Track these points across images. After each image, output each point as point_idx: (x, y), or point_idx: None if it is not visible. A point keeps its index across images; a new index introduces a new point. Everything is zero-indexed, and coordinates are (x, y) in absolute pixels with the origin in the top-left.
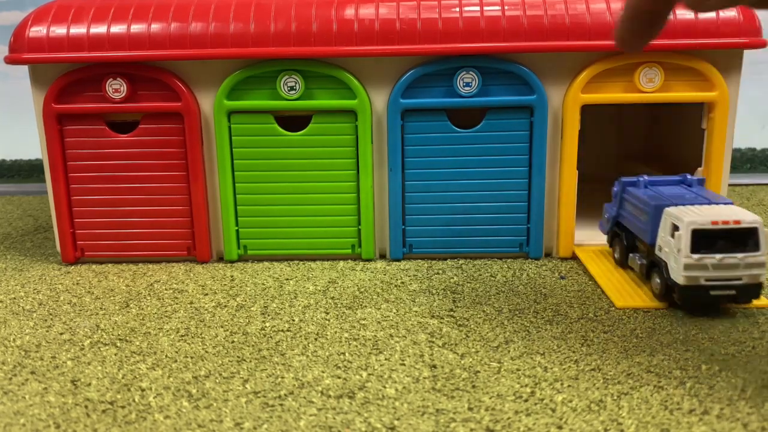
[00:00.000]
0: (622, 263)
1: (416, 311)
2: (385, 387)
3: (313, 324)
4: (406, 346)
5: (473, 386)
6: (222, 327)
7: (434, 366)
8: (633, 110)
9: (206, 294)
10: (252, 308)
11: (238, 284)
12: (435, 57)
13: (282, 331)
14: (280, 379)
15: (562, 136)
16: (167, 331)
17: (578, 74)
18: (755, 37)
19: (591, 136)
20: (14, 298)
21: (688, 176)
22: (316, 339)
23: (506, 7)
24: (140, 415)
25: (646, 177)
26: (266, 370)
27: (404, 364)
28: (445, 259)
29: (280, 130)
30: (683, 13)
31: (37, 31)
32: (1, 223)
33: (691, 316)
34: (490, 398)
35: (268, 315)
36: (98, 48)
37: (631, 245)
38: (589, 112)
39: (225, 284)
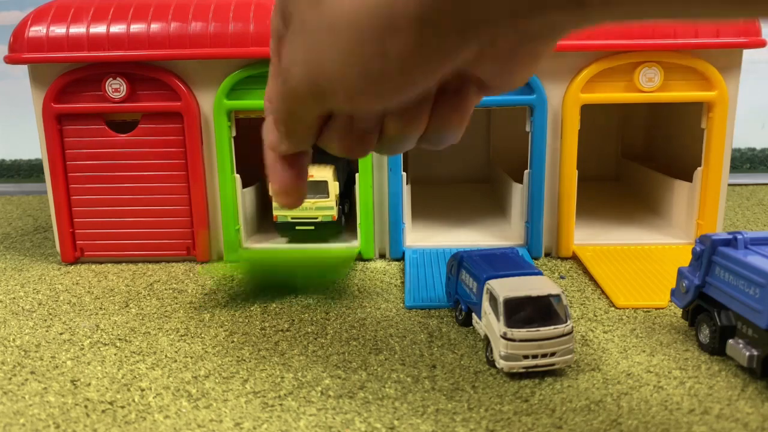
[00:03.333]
0: (714, 350)
1: (416, 311)
2: (384, 387)
3: (313, 324)
4: (406, 346)
5: (473, 386)
6: (222, 327)
7: (434, 366)
8: (633, 110)
9: (206, 294)
10: (252, 308)
11: (237, 284)
12: None
13: (282, 331)
14: (279, 379)
15: (561, 135)
16: (167, 331)
17: (578, 74)
18: (755, 37)
19: (591, 136)
20: (14, 298)
21: None
22: (315, 339)
23: None
24: (140, 415)
25: (745, 234)
26: (266, 370)
27: (404, 364)
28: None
29: None
30: None
31: (37, 30)
32: (0, 223)
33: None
34: (490, 398)
35: (268, 315)
36: (98, 48)
37: (729, 327)
38: (589, 111)
39: (225, 284)
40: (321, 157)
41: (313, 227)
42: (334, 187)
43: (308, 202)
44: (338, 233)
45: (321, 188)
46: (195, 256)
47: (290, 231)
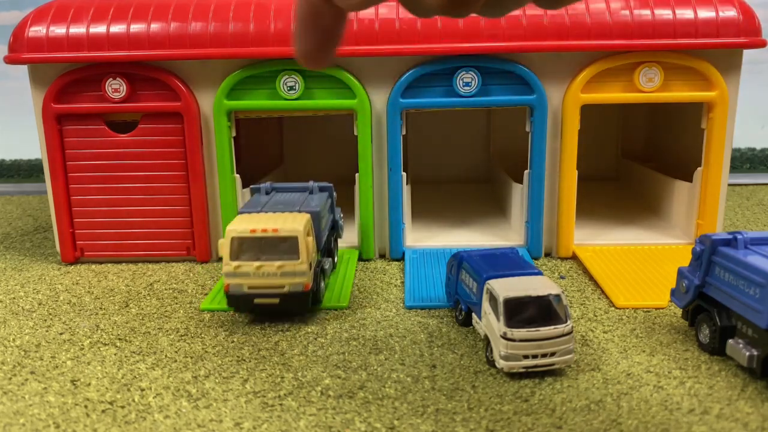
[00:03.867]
0: (714, 350)
1: (416, 311)
2: (384, 387)
3: (313, 324)
4: (406, 346)
5: (473, 386)
6: (222, 327)
7: (434, 366)
8: (633, 110)
9: (206, 294)
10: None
11: None
12: (435, 57)
13: (282, 330)
14: (279, 379)
15: (561, 136)
16: (167, 331)
17: (578, 74)
18: (755, 37)
19: (591, 136)
20: (14, 298)
21: None
22: (315, 339)
23: None
24: (140, 415)
25: (745, 234)
26: (266, 370)
27: (404, 364)
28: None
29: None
30: (682, 12)
31: (37, 30)
32: (1, 223)
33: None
34: (490, 398)
35: (268, 315)
36: (98, 48)
37: (729, 327)
38: (589, 111)
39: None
40: (294, 205)
41: (277, 300)
42: (306, 245)
43: (272, 266)
44: (312, 306)
45: (289, 247)
46: (195, 256)
47: (246, 305)
